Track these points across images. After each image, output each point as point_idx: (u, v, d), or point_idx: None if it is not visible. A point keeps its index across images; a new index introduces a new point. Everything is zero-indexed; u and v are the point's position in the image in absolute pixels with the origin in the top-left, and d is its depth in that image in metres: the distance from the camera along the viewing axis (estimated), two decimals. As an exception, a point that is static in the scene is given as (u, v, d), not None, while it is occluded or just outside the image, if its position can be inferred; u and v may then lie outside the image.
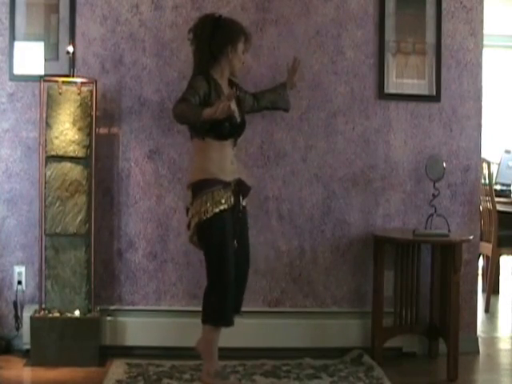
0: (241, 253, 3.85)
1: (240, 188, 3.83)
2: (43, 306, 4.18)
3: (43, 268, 4.18)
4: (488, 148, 6.25)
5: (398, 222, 4.56)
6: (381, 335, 4.28)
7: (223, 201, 3.73)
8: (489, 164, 5.85)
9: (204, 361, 3.84)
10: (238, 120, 3.84)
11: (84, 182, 4.18)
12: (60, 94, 4.16)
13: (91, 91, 4.20)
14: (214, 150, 3.76)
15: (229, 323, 3.80)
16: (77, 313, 4.15)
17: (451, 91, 4.58)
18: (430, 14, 4.54)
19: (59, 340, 4.07)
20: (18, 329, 4.30)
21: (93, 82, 4.20)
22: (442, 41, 4.55)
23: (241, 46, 3.85)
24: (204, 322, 3.81)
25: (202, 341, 3.85)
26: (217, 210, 3.71)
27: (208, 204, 3.70)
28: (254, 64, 4.39)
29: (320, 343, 4.40)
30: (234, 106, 3.63)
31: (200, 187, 3.74)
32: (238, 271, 3.82)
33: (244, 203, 3.88)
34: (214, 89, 3.74)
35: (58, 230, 4.16)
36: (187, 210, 3.82)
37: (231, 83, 3.93)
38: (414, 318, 4.43)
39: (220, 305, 3.77)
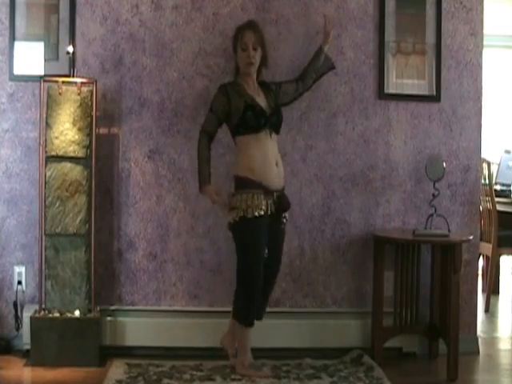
0: (271, 264, 4.03)
1: (281, 202, 4.00)
2: (43, 306, 4.18)
3: (43, 268, 4.18)
4: (488, 148, 6.24)
5: (398, 222, 4.56)
6: (381, 335, 4.28)
7: (263, 207, 3.90)
8: (489, 164, 5.85)
9: (238, 353, 4.03)
10: (268, 111, 3.99)
11: (84, 182, 4.18)
12: (60, 94, 4.16)
13: (91, 91, 4.20)
14: (253, 148, 3.93)
15: (250, 324, 3.97)
16: (77, 313, 4.15)
17: (451, 91, 4.58)
18: (429, 14, 4.53)
19: (59, 340, 4.07)
20: (18, 329, 4.30)
21: (93, 82, 4.20)
22: (442, 41, 4.55)
23: (239, 46, 4.02)
24: (233, 317, 3.99)
25: (227, 336, 4.04)
26: (256, 214, 3.86)
27: (248, 204, 3.87)
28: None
29: (320, 343, 4.40)
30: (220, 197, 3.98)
31: (243, 184, 3.92)
32: (265, 280, 3.99)
33: (286, 218, 4.07)
34: (235, 93, 3.96)
35: (58, 230, 4.16)
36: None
37: (262, 85, 4.10)
38: (414, 318, 4.43)
39: (245, 305, 3.94)
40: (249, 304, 3.93)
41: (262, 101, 4.01)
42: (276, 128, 4.04)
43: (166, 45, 4.41)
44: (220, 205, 4.02)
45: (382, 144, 4.55)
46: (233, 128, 4.00)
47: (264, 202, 3.90)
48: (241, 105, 3.94)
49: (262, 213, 3.88)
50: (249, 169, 3.92)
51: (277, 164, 3.99)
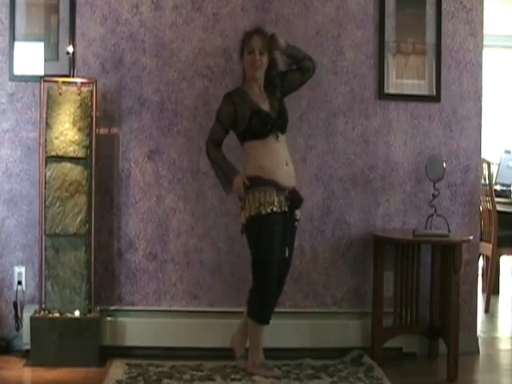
0: (281, 263, 3.97)
1: (293, 198, 3.96)
2: (43, 306, 4.18)
3: (43, 268, 4.18)
4: (488, 148, 6.24)
5: (398, 222, 4.56)
6: (381, 335, 4.28)
7: (276, 203, 3.88)
8: (489, 164, 5.85)
9: (250, 353, 4.00)
10: (274, 115, 3.96)
11: (84, 183, 4.18)
12: (60, 94, 4.16)
13: (91, 91, 4.20)
14: (262, 150, 3.92)
15: (265, 322, 3.95)
16: (77, 313, 4.15)
17: (451, 91, 4.58)
18: (430, 14, 4.54)
19: (59, 340, 4.07)
20: (18, 329, 4.30)
21: (93, 83, 4.20)
22: (442, 41, 4.55)
23: (246, 49, 3.97)
24: (248, 315, 3.96)
25: (237, 335, 4.05)
26: (268, 210, 3.85)
27: (260, 201, 3.86)
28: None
29: (320, 343, 4.39)
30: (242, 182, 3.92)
31: (255, 183, 3.89)
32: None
33: (298, 216, 4.01)
34: (241, 101, 3.93)
35: (57, 231, 4.16)
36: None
37: (267, 84, 4.03)
38: (414, 318, 4.43)
39: (260, 303, 3.91)
40: (263, 302, 3.91)
41: (266, 106, 3.97)
42: (282, 129, 4.01)
43: (166, 45, 4.41)
44: (240, 195, 3.93)
45: (381, 144, 4.55)
46: (240, 135, 3.98)
47: (277, 199, 3.88)
48: (247, 112, 3.91)
49: (275, 209, 3.87)
50: (259, 167, 3.91)
51: (287, 163, 3.96)
